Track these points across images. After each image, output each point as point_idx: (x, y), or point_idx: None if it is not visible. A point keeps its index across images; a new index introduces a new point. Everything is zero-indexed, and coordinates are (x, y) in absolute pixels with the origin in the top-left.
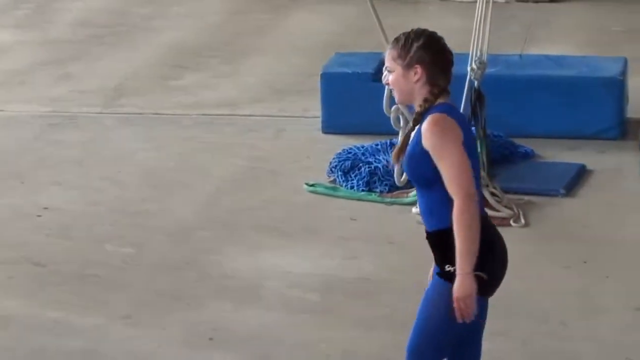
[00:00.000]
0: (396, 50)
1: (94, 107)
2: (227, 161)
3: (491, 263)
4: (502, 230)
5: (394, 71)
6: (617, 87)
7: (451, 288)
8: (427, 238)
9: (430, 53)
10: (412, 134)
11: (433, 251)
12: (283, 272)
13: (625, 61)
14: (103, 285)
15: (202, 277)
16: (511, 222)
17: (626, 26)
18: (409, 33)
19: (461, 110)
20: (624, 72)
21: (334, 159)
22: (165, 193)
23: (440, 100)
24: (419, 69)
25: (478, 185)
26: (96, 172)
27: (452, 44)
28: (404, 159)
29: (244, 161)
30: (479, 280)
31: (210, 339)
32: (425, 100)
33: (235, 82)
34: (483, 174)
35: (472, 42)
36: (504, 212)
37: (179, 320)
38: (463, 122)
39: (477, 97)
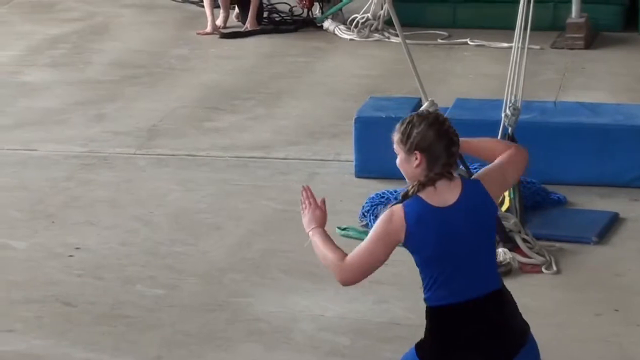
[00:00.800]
0: (398, 135)
1: (128, 148)
2: (260, 204)
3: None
4: (534, 277)
5: (398, 154)
6: None
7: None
8: None
9: (429, 140)
10: None
11: None
12: (314, 316)
13: None
14: (134, 326)
15: (233, 320)
16: (543, 269)
17: None
18: (411, 118)
19: None
20: None
21: (366, 203)
22: (197, 235)
23: (427, 189)
24: (418, 155)
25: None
26: (128, 213)
27: (487, 89)
28: None
29: (276, 204)
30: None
31: None
32: (420, 183)
33: (269, 125)
34: (515, 219)
35: (507, 87)
36: (536, 259)
37: None
38: (418, 223)
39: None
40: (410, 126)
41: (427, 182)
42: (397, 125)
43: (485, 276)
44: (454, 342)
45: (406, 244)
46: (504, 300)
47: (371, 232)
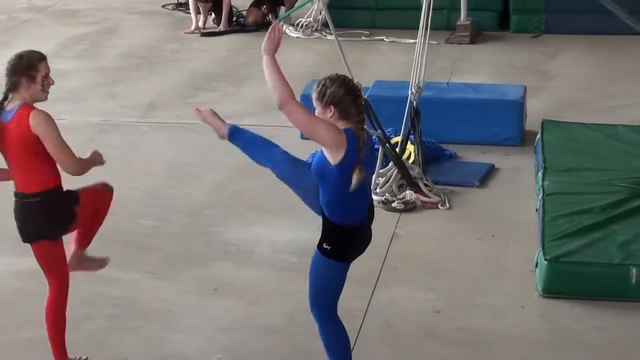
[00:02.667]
0: (315, 94)
1: (133, 118)
2: (230, 159)
3: (341, 243)
4: (430, 213)
5: (316, 108)
6: (518, 107)
7: (327, 262)
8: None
9: (339, 96)
10: None
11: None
12: (270, 241)
13: (525, 88)
14: (137, 249)
15: (210, 244)
16: (439, 206)
17: (526, 62)
18: (324, 80)
19: (403, 123)
20: (523, 96)
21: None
22: (184, 181)
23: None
24: (332, 108)
25: (369, 194)
26: (134, 166)
27: (398, 74)
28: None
29: (243, 159)
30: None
31: (215, 289)
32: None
33: (238, 100)
34: (419, 169)
35: (412, 72)
36: (434, 199)
37: (192, 276)
38: (353, 142)
39: (415, 113)
40: (324, 87)
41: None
42: (314, 86)
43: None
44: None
45: (342, 159)
46: None
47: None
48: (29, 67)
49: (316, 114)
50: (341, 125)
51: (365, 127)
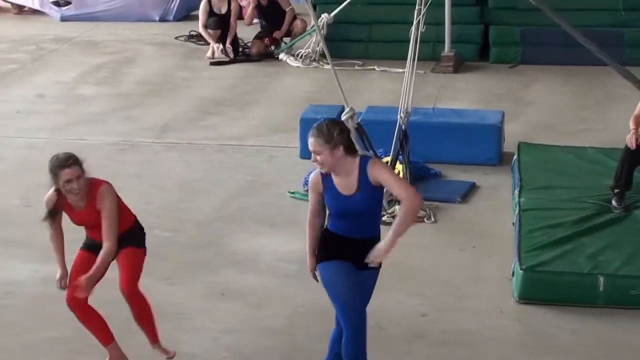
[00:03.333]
0: (321, 140)
1: (148, 138)
2: (236, 176)
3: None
4: (417, 226)
5: (322, 153)
6: (497, 131)
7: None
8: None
9: (345, 135)
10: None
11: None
12: (272, 250)
13: (503, 113)
14: (152, 257)
15: (218, 253)
16: (425, 219)
17: (504, 89)
18: (327, 127)
19: (392, 144)
20: (502, 121)
21: (307, 175)
22: (194, 196)
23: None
24: (341, 148)
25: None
26: (148, 182)
27: (388, 100)
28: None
29: (247, 176)
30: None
31: (222, 294)
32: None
33: (243, 123)
34: None
35: (401, 99)
36: (421, 213)
37: (202, 281)
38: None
39: (404, 136)
40: (330, 131)
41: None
42: (315, 133)
43: None
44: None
45: None
46: None
47: (392, 173)
48: (52, 174)
49: (321, 158)
50: (350, 159)
51: (358, 148)
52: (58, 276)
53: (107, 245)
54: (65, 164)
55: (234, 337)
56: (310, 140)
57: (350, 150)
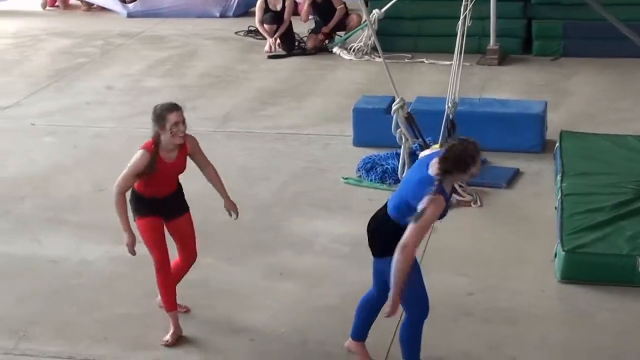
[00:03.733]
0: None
1: (210, 128)
2: (293, 163)
3: None
4: (464, 210)
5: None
6: (540, 119)
7: None
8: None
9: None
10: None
11: None
12: (327, 233)
13: (545, 103)
14: (214, 238)
15: (277, 236)
16: (472, 204)
17: (546, 80)
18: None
19: (440, 133)
20: (544, 110)
21: (359, 162)
22: (254, 182)
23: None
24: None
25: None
26: None
27: (436, 91)
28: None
29: (303, 163)
30: None
31: (280, 274)
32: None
33: (299, 113)
34: None
35: (449, 89)
36: (468, 198)
37: (261, 262)
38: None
39: (451, 125)
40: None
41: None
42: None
43: None
44: None
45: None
46: None
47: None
48: (160, 118)
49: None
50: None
51: (408, 136)
52: (127, 241)
53: (211, 166)
54: (174, 107)
55: (291, 314)
56: None
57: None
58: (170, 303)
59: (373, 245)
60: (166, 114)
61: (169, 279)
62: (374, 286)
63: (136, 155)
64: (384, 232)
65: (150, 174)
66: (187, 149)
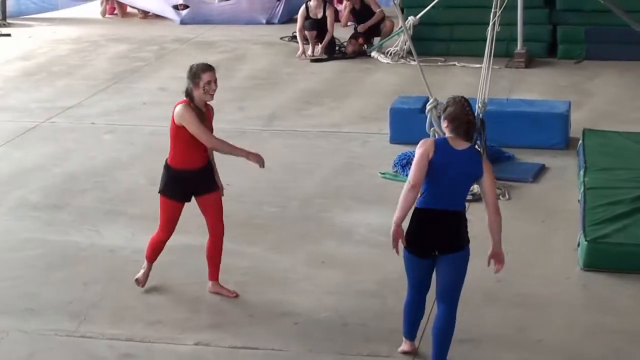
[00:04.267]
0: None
1: (257, 126)
2: (334, 158)
3: (408, 233)
4: None
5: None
6: (564, 118)
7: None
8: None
9: (452, 114)
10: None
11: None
12: (366, 223)
13: (569, 103)
14: (261, 229)
15: (319, 226)
16: (500, 197)
17: (569, 82)
18: (447, 101)
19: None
20: (568, 110)
21: (396, 158)
22: (298, 176)
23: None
24: (447, 122)
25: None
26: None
27: (467, 92)
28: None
29: (344, 159)
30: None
31: (323, 262)
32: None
33: (339, 112)
34: None
35: (479, 90)
36: (497, 191)
37: (305, 251)
38: (439, 147)
39: (482, 123)
40: (446, 105)
41: (452, 133)
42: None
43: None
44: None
45: (430, 160)
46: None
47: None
48: (195, 76)
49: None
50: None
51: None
52: (254, 159)
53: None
54: (209, 68)
55: (333, 299)
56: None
57: (454, 127)
58: (150, 257)
59: (457, 241)
60: (201, 72)
61: (159, 248)
62: (416, 286)
63: (182, 112)
64: (462, 225)
65: (202, 117)
66: (211, 113)
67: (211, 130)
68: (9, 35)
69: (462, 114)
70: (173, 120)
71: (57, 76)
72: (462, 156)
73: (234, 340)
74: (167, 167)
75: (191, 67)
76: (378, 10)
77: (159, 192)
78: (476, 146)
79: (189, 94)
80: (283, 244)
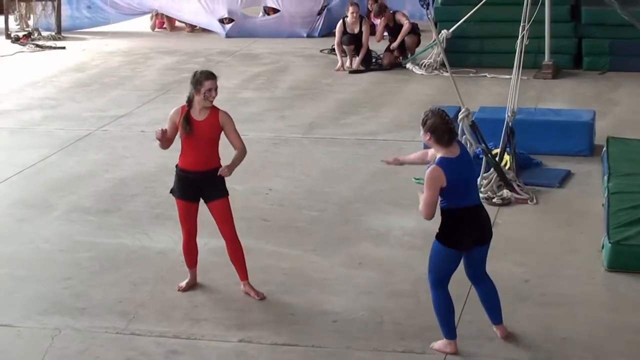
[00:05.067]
0: (421, 125)
1: (298, 134)
2: (371, 164)
3: (452, 234)
4: (522, 207)
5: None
6: (589, 127)
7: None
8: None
9: (433, 126)
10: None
11: None
12: (401, 227)
13: (594, 112)
14: (301, 232)
15: (356, 229)
16: (528, 201)
17: (594, 92)
18: (427, 112)
19: (501, 139)
20: (593, 118)
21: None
22: (336, 181)
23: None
24: (429, 134)
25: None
26: (298, 170)
27: (497, 101)
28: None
29: (380, 165)
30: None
31: (360, 263)
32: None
33: (376, 121)
34: (513, 174)
35: (509, 100)
36: (525, 196)
37: (343, 253)
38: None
39: (511, 131)
40: (425, 118)
41: (437, 144)
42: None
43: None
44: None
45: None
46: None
47: (427, 182)
48: (197, 83)
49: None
50: (436, 149)
51: (472, 142)
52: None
53: (241, 147)
54: (211, 75)
55: (370, 299)
56: None
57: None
58: (188, 262)
59: (489, 233)
60: (204, 80)
61: (190, 250)
62: (447, 282)
63: (170, 113)
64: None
65: (188, 128)
66: (218, 117)
67: (208, 136)
68: (63, 48)
69: (442, 123)
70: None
71: (109, 87)
72: (467, 159)
73: (275, 338)
74: (176, 165)
75: (195, 74)
76: (406, 24)
77: (170, 192)
78: (506, 153)
79: (190, 100)
80: (322, 246)
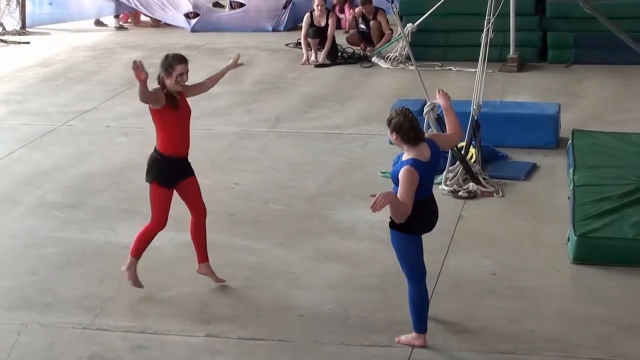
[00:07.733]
0: (386, 125)
1: (264, 128)
2: (337, 158)
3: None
4: (487, 200)
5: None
6: (554, 119)
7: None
8: None
9: (397, 125)
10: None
11: None
12: (367, 220)
13: (559, 105)
14: (267, 226)
15: (323, 223)
16: (494, 194)
17: (559, 85)
18: (390, 114)
19: (467, 132)
20: (558, 111)
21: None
22: (302, 176)
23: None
24: (395, 134)
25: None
26: (265, 164)
27: (463, 95)
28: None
29: (346, 159)
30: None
31: (326, 257)
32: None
33: (341, 115)
34: (479, 167)
35: (474, 93)
36: (490, 189)
37: (309, 247)
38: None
39: (476, 124)
40: (390, 118)
41: (403, 142)
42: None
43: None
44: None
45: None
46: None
47: (406, 184)
48: (169, 67)
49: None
50: (406, 149)
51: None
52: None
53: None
54: (183, 59)
55: (336, 292)
56: None
57: (404, 137)
58: (135, 251)
59: (436, 221)
60: (176, 64)
61: (148, 238)
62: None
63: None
64: None
65: (176, 105)
66: (185, 95)
67: (188, 111)
68: (28, 43)
69: (406, 121)
70: (150, 107)
71: (74, 82)
72: (434, 161)
73: (242, 332)
74: (159, 154)
75: (166, 57)
76: (388, 32)
77: (150, 181)
78: (471, 146)
79: (161, 81)
80: (288, 240)
